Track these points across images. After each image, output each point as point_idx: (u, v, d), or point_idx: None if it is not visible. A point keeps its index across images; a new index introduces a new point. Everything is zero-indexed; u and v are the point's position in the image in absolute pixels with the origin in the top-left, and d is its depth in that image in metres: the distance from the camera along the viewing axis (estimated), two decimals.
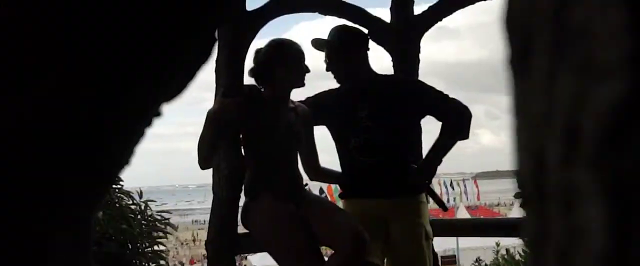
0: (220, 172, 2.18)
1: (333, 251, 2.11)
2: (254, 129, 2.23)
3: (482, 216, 37.44)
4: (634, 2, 0.20)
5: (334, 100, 2.41)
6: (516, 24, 0.30)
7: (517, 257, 3.66)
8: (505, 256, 3.81)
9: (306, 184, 2.39)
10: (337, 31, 2.37)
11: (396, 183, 2.29)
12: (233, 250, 2.21)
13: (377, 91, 2.34)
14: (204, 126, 2.16)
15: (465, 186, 43.98)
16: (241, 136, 2.27)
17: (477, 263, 6.67)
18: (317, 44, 2.35)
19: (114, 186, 4.40)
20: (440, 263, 2.78)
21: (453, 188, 41.79)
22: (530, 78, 0.29)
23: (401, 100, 2.31)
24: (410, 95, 2.35)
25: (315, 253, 2.11)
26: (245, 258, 14.06)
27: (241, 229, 2.24)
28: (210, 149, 2.18)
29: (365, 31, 2.46)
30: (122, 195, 4.46)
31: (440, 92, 2.36)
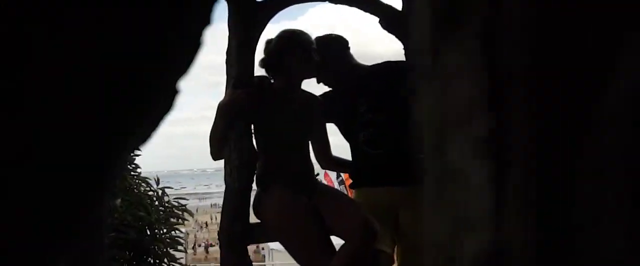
0: (232, 162, 2.20)
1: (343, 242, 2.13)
2: (265, 120, 2.24)
3: None
4: (499, 156, 0.21)
5: (335, 101, 2.47)
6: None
7: None
8: None
9: (317, 174, 2.41)
10: (327, 39, 2.45)
11: (405, 171, 2.29)
12: (245, 239, 2.24)
13: (370, 84, 2.39)
14: (215, 118, 2.18)
15: None
16: (252, 127, 2.29)
17: None
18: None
19: (131, 173, 4.48)
20: None
21: None
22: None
23: (396, 86, 2.32)
24: (403, 78, 2.35)
25: (326, 244, 2.13)
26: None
27: (253, 219, 2.27)
28: (222, 140, 2.20)
29: (374, 17, 2.47)
30: (140, 181, 4.54)
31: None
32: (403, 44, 2.68)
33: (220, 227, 2.22)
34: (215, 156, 2.25)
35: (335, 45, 2.46)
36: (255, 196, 2.24)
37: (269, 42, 2.28)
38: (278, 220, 2.16)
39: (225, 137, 2.19)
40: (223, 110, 2.15)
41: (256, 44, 2.32)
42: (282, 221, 2.15)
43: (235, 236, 2.20)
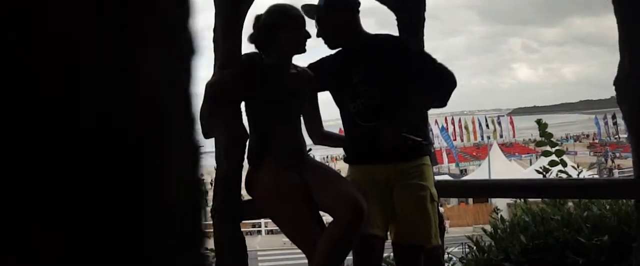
0: (221, 142, 2.22)
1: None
2: (255, 97, 2.24)
3: (517, 154, 36.97)
4: None
5: (331, 66, 2.40)
6: None
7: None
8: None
9: (309, 150, 2.42)
10: None
11: (398, 147, 2.29)
12: (237, 217, 2.28)
13: (368, 54, 2.32)
14: (203, 98, 2.19)
15: (500, 123, 43.37)
16: (243, 103, 2.29)
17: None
18: (308, 10, 2.32)
19: None
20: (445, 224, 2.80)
21: (487, 126, 41.30)
22: None
23: (393, 61, 2.28)
24: (402, 56, 2.32)
25: (316, 221, 2.16)
26: None
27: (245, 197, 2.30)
28: (211, 120, 2.21)
29: None
30: None
31: (430, 57, 2.33)
32: (396, 16, 2.63)
33: (213, 205, 2.27)
34: (205, 135, 2.27)
35: (352, 3, 2.37)
36: (247, 173, 2.27)
37: (258, 18, 2.25)
38: (269, 198, 2.19)
39: (213, 117, 2.20)
40: (210, 90, 2.16)
41: (244, 20, 2.29)
42: (273, 197, 2.18)
43: (228, 213, 2.24)
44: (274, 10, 2.24)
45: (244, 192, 2.30)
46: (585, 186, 2.73)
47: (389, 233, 2.32)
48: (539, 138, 4.36)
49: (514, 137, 44.80)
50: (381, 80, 2.28)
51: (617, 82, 2.10)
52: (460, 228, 18.36)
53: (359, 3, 2.37)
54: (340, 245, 2.05)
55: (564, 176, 4.03)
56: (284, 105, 2.24)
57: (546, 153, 4.18)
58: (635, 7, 2.03)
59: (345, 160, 2.49)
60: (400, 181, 2.28)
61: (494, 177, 19.86)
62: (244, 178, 2.27)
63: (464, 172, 31.44)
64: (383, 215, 2.24)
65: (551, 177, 4.03)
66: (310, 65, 2.44)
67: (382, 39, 2.37)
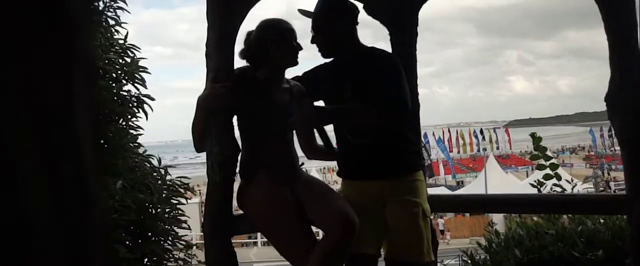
0: (213, 156, 2.21)
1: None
2: (248, 111, 2.23)
3: (513, 165, 36.97)
4: None
5: (323, 77, 2.37)
6: None
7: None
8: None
9: (302, 163, 2.41)
10: (324, 0, 2.31)
11: (390, 163, 2.27)
12: (229, 231, 2.27)
13: (359, 69, 2.26)
14: (195, 112, 2.18)
15: (496, 134, 43.44)
16: (236, 117, 2.29)
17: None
18: (305, 12, 2.30)
19: (134, 152, 4.53)
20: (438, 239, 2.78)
21: (483, 137, 41.37)
22: None
23: (378, 76, 2.21)
24: (379, 70, 2.22)
25: (307, 235, 2.15)
26: None
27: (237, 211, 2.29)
28: (203, 134, 2.20)
29: (358, 5, 2.39)
30: (144, 160, 4.59)
31: (397, 82, 2.18)
32: (389, 31, 2.64)
33: (204, 220, 2.25)
34: (198, 148, 2.26)
35: (352, 13, 2.30)
36: (238, 187, 2.26)
37: (250, 34, 2.26)
38: (260, 211, 2.18)
39: (205, 130, 2.19)
40: (202, 104, 2.15)
41: (236, 34, 2.29)
42: (265, 211, 2.17)
43: (219, 228, 2.22)
44: (265, 25, 2.25)
45: (235, 205, 2.29)
46: (578, 201, 2.72)
47: (382, 249, 2.30)
48: (534, 151, 4.37)
49: (510, 148, 44.86)
50: (372, 95, 2.21)
51: (608, 98, 2.10)
52: (457, 240, 18.31)
53: (357, 16, 2.33)
54: (331, 260, 2.04)
55: (558, 189, 4.04)
56: (275, 120, 2.24)
57: (541, 167, 4.19)
58: (625, 24, 2.05)
59: (338, 173, 2.47)
60: (393, 197, 2.26)
61: (490, 188, 19.86)
62: (236, 192, 2.26)
63: (460, 183, 31.44)
64: (376, 232, 2.23)
65: (546, 190, 4.03)
66: (304, 74, 2.43)
67: (374, 55, 2.30)
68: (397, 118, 2.19)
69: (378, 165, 2.26)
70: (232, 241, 2.32)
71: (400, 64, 2.24)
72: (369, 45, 2.34)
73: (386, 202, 2.26)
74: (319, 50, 2.33)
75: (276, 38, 2.20)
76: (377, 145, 2.26)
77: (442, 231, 20.96)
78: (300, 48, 2.24)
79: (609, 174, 30.71)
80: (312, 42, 2.31)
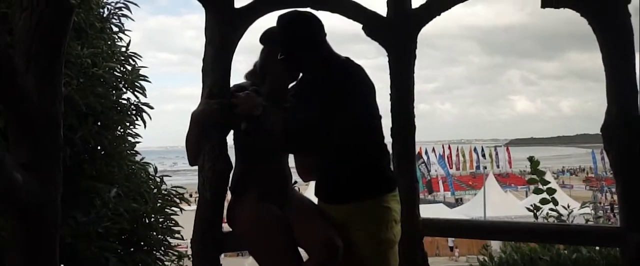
0: (205, 172, 2.20)
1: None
2: (244, 128, 2.22)
3: (513, 184, 36.91)
4: None
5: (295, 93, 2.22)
6: None
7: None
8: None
9: (295, 182, 2.40)
10: (289, 19, 2.07)
11: (348, 186, 2.08)
12: (218, 249, 2.25)
13: (318, 84, 2.04)
14: (189, 126, 2.17)
15: (497, 152, 43.39)
16: (232, 133, 2.28)
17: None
18: (268, 37, 2.14)
19: (131, 160, 4.51)
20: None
21: (484, 155, 41.30)
22: None
23: (303, 98, 2.07)
24: (309, 92, 2.04)
25: (293, 256, 2.13)
26: None
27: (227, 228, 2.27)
28: (196, 148, 2.19)
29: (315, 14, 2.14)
30: (140, 168, 4.58)
31: (316, 107, 1.99)
32: (387, 51, 2.64)
33: (193, 236, 2.23)
34: (192, 162, 2.25)
35: (316, 25, 2.06)
36: (228, 204, 2.24)
37: (255, 65, 2.25)
38: (248, 230, 2.16)
39: (198, 145, 2.18)
40: (195, 119, 2.14)
41: (233, 51, 2.29)
42: (253, 230, 2.14)
43: (208, 245, 2.20)
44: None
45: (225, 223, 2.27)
46: (572, 232, 2.70)
47: None
48: (531, 175, 4.35)
49: (510, 167, 44.77)
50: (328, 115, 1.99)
51: (604, 130, 2.09)
52: (465, 258, 18.17)
53: (320, 32, 2.07)
54: None
55: (554, 214, 4.01)
56: (273, 138, 2.22)
57: (537, 191, 4.16)
58: (621, 57, 2.04)
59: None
60: (356, 224, 2.06)
61: (489, 207, 19.79)
62: (226, 209, 2.25)
63: (459, 200, 31.33)
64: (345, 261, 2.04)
65: (543, 214, 4.01)
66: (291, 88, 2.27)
67: (320, 77, 2.05)
68: (282, 144, 2.07)
69: (336, 187, 2.11)
70: None
71: (347, 90, 2.00)
72: (344, 57, 2.10)
73: (349, 230, 2.06)
74: (288, 73, 2.17)
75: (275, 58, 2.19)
76: (333, 166, 2.10)
77: (451, 248, 20.80)
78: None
79: (612, 197, 30.58)
80: (279, 58, 2.09)
